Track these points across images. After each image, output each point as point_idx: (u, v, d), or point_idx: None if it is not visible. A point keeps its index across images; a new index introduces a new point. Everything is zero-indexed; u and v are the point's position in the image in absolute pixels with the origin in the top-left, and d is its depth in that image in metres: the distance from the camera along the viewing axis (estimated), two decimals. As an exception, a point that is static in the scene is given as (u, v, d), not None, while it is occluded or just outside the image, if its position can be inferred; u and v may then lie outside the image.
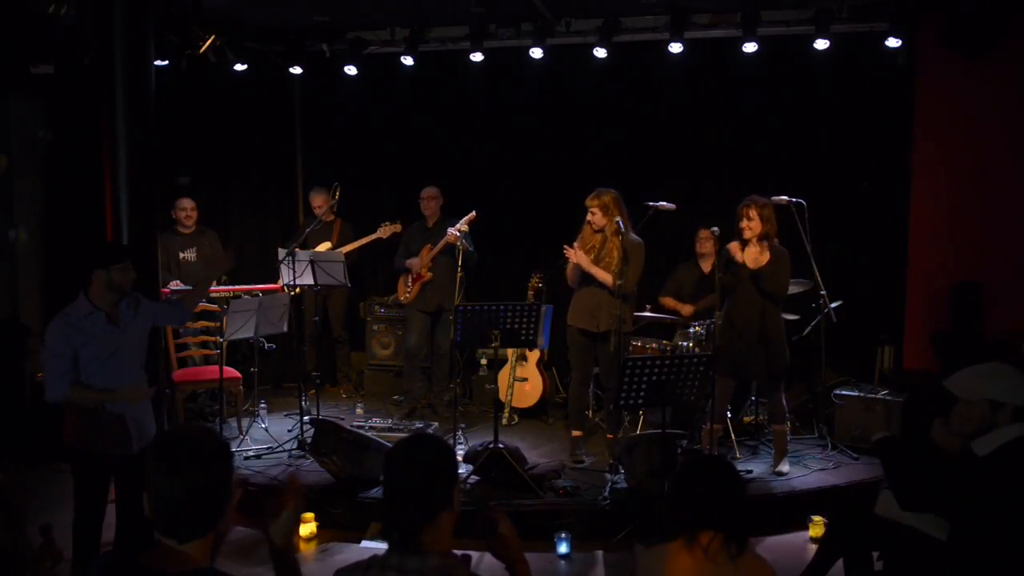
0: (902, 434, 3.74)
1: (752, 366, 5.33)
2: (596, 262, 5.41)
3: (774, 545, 4.79)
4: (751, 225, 5.18)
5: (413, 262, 6.66)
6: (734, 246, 5.26)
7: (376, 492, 5.07)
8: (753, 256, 5.23)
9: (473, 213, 6.36)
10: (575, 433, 5.73)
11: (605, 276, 5.34)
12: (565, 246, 5.50)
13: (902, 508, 3.14)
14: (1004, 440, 2.88)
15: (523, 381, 6.76)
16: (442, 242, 6.49)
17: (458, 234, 6.29)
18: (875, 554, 3.67)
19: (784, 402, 5.48)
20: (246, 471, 5.41)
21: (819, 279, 5.81)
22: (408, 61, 6.88)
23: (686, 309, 6.39)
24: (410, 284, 6.72)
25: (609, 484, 5.11)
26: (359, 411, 6.73)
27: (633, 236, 5.40)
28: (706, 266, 6.42)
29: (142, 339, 4.01)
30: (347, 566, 2.09)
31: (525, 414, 6.81)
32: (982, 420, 2.94)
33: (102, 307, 3.83)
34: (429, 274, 6.63)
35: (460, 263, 6.29)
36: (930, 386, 3.16)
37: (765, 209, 5.20)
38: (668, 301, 6.55)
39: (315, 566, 4.60)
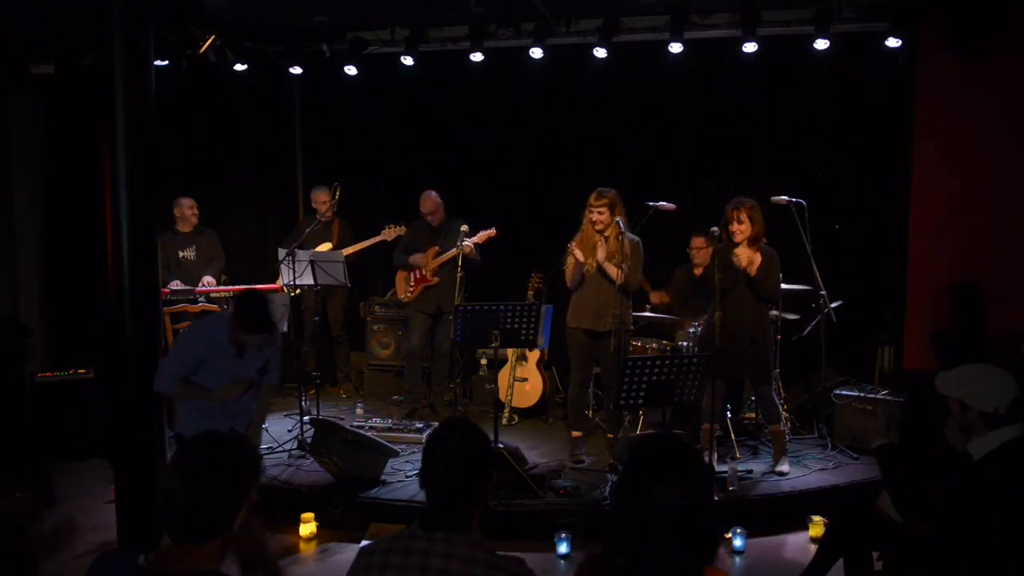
0: (902, 435, 3.73)
1: (742, 366, 5.31)
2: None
3: (774, 545, 4.79)
4: (742, 229, 5.16)
5: (417, 258, 6.63)
6: (740, 251, 5.19)
7: (376, 492, 5.07)
8: (745, 258, 5.22)
9: (493, 230, 6.40)
10: (575, 433, 5.73)
11: (617, 272, 5.33)
12: (569, 244, 5.49)
13: (901, 516, 3.13)
14: (999, 442, 2.88)
15: (523, 381, 6.76)
16: (452, 252, 6.46)
17: (473, 248, 6.33)
18: (875, 554, 3.67)
19: (776, 401, 5.47)
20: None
21: (819, 279, 5.80)
22: (408, 61, 6.87)
23: (655, 297, 6.58)
24: (412, 283, 6.71)
25: (609, 484, 5.11)
26: (359, 411, 6.73)
27: (631, 235, 5.41)
28: (697, 271, 6.45)
29: (256, 367, 4.47)
30: (371, 543, 2.12)
31: (525, 414, 6.81)
32: (960, 418, 2.96)
33: (237, 344, 4.28)
34: (436, 279, 6.62)
35: (460, 263, 6.28)
36: (930, 386, 3.15)
37: (754, 211, 5.18)
38: (654, 296, 6.57)
39: (315, 566, 4.61)
